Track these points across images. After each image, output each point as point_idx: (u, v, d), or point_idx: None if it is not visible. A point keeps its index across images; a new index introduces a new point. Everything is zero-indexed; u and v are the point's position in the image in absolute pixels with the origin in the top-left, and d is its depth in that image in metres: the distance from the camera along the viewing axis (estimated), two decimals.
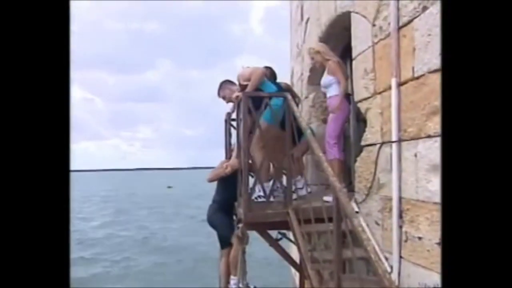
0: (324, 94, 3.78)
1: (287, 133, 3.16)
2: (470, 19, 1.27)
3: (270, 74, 3.87)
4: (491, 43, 1.25)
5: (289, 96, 3.14)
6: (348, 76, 3.72)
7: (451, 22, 1.31)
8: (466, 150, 1.25)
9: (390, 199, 2.65)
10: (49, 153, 1.19)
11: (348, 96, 3.61)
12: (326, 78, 3.62)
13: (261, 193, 3.37)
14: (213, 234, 3.95)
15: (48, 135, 1.19)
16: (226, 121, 4.59)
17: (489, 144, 1.23)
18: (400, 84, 2.58)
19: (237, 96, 3.56)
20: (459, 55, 1.29)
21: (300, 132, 3.05)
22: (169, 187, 49.71)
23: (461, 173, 1.26)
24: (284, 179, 3.41)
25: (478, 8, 1.27)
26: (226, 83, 3.90)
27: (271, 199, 3.36)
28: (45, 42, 1.21)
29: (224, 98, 3.91)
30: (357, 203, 3.21)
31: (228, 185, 3.78)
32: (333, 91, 3.57)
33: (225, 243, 3.83)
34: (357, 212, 3.09)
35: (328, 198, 2.67)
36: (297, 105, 4.09)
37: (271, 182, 3.42)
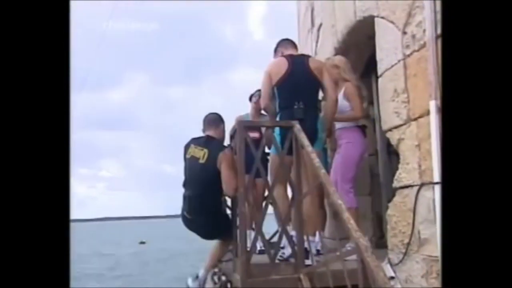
0: None
1: (295, 171, 3.16)
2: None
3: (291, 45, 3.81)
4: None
5: (297, 126, 3.15)
6: (366, 99, 3.79)
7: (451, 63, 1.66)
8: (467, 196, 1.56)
9: (437, 261, 2.61)
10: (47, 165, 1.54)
11: (363, 128, 3.71)
12: (340, 104, 3.69)
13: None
14: None
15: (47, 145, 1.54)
16: None
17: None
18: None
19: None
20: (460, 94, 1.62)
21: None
22: (142, 242, 48.61)
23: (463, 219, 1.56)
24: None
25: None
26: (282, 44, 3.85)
27: (277, 259, 3.32)
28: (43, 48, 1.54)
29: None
30: (391, 265, 3.17)
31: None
32: (348, 122, 3.67)
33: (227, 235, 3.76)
34: (392, 277, 3.06)
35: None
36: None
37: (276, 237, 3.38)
